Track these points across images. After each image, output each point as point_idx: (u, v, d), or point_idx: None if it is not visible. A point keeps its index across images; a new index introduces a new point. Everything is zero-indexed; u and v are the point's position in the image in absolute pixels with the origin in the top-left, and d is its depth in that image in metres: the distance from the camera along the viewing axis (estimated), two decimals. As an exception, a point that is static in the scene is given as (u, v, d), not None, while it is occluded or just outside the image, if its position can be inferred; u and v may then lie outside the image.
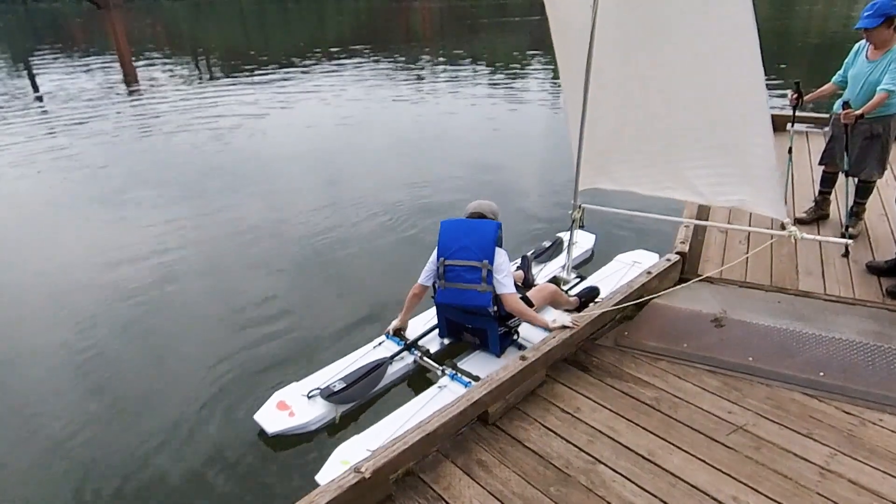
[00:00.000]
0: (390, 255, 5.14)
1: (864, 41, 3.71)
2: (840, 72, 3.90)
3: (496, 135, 9.44)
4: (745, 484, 2.20)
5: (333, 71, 16.60)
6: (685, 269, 3.77)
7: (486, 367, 3.11)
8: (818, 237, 3.65)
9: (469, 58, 18.44)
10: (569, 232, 3.92)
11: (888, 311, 3.26)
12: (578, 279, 4.11)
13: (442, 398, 2.92)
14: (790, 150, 4.31)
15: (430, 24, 36.60)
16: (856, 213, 3.99)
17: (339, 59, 19.25)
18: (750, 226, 4.17)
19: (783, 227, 3.16)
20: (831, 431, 2.45)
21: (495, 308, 3.12)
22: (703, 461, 2.32)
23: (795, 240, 3.12)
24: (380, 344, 3.51)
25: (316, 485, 2.41)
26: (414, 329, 3.60)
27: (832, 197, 4.31)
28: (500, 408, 2.62)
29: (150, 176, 7.63)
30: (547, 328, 3.08)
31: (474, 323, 3.29)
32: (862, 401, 2.62)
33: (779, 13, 28.36)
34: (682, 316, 3.31)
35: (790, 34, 20.49)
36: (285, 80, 15.27)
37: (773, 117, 6.04)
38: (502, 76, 15.09)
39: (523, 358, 2.74)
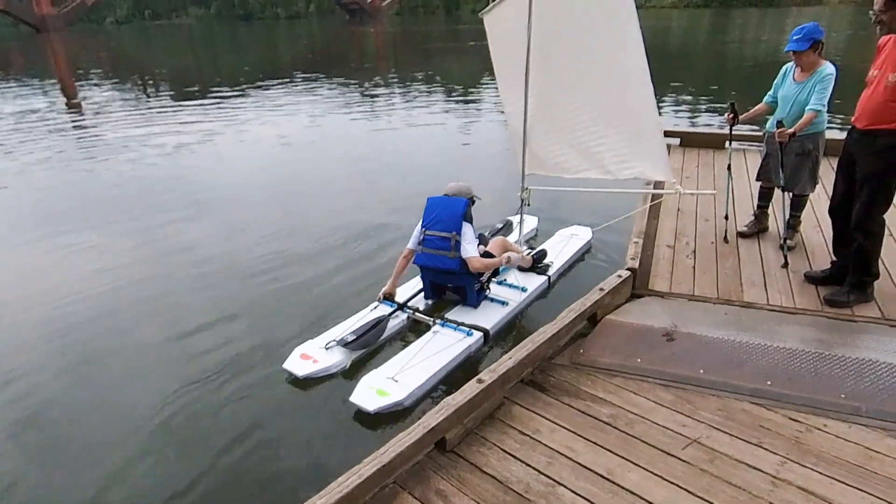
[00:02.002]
0: (341, 274, 5.06)
1: (791, 63, 3.94)
2: (770, 92, 4.11)
3: (449, 150, 9.57)
4: (701, 497, 2.22)
5: (286, 93, 16.46)
6: (636, 284, 3.84)
7: (468, 316, 3.94)
8: (694, 191, 4.89)
9: (423, 80, 18.67)
10: (518, 214, 4.80)
11: (826, 318, 3.41)
12: (529, 250, 4.81)
13: (437, 340, 3.68)
14: (729, 167, 4.49)
15: (384, 48, 36.96)
16: (792, 225, 4.19)
17: (292, 81, 19.15)
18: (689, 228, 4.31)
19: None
20: (780, 439, 2.51)
21: (467, 269, 3.85)
22: (661, 477, 2.33)
23: (679, 195, 4.54)
24: (375, 307, 4.10)
25: (351, 405, 3.22)
26: (403, 294, 4.26)
27: (770, 211, 4.51)
28: (457, 433, 2.56)
29: (92, 201, 7.32)
30: (503, 264, 4.11)
31: (454, 282, 4.06)
32: (807, 407, 2.70)
33: (713, 39, 30.08)
34: (634, 331, 3.35)
35: (724, 58, 21.71)
36: (236, 102, 15.03)
37: (712, 136, 6.47)
38: (455, 97, 15.32)
39: (480, 381, 2.71)
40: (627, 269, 3.80)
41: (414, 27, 52.59)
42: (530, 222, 5.47)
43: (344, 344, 3.68)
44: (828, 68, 3.73)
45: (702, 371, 2.98)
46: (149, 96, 17.43)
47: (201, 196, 7.36)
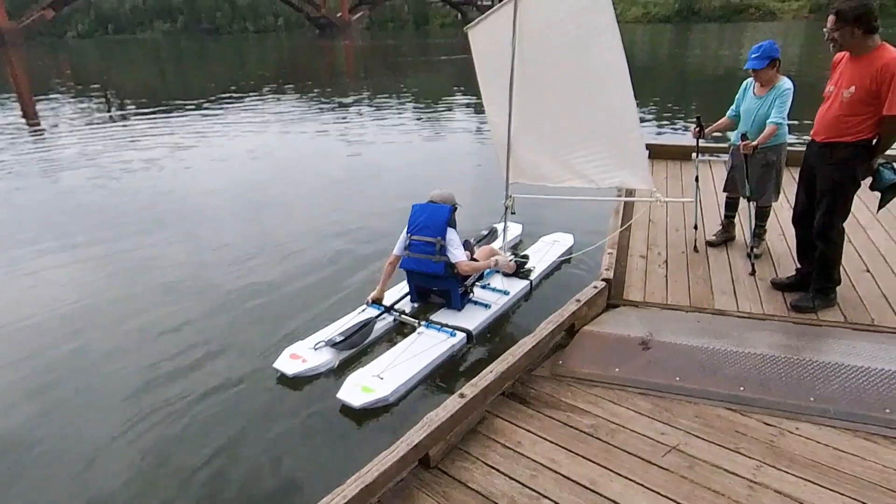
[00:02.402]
0: (323, 281, 5.06)
1: (751, 79, 4.10)
2: (733, 107, 4.27)
3: (422, 163, 9.62)
4: (681, 504, 2.26)
5: (256, 107, 16.34)
6: (611, 294, 3.91)
7: (452, 318, 4.12)
8: (673, 199, 5.04)
9: (395, 94, 18.76)
10: (502, 221, 4.90)
11: (794, 324, 3.52)
12: (513, 255, 4.96)
13: (421, 341, 3.87)
14: (697, 179, 4.63)
15: (354, 61, 36.99)
16: (758, 234, 4.32)
17: (262, 95, 18.99)
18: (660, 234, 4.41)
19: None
20: (755, 444, 2.58)
21: (452, 273, 4.04)
22: (642, 485, 2.36)
23: (650, 205, 4.61)
24: (363, 310, 4.27)
25: (338, 402, 3.37)
26: (390, 298, 4.43)
27: (737, 220, 4.65)
28: (440, 449, 2.55)
29: (55, 219, 7.09)
30: (490, 268, 4.38)
31: (439, 286, 4.21)
32: (779, 411, 2.78)
33: (676, 53, 31.06)
34: (611, 341, 3.41)
35: (687, 72, 22.43)
36: (205, 117, 14.84)
37: (680, 148, 6.61)
38: (427, 110, 15.42)
39: (462, 395, 2.71)
40: (603, 280, 3.86)
41: (385, 41, 52.77)
42: (515, 229, 5.63)
43: (332, 344, 3.83)
44: (785, 83, 3.90)
45: (678, 379, 3.04)
46: (112, 112, 17.04)
47: (174, 211, 7.25)
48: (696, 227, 4.57)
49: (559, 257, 5.18)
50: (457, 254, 4.01)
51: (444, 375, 3.76)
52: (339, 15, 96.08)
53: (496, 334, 4.22)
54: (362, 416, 3.35)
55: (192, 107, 16.57)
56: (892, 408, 2.70)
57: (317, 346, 3.83)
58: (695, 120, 4.37)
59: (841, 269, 3.66)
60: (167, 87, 24.23)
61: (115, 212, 7.31)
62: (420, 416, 2.59)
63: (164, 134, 12.66)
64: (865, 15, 3.04)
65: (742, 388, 2.92)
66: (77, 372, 3.94)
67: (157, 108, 16.52)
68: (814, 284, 3.63)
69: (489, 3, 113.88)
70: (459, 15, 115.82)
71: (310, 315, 4.48)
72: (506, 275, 4.65)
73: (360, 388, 3.39)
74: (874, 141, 3.20)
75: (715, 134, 4.61)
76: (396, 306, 4.32)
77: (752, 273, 4.08)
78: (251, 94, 19.30)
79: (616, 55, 3.68)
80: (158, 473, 3.02)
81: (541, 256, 5.09)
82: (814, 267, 3.61)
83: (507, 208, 4.69)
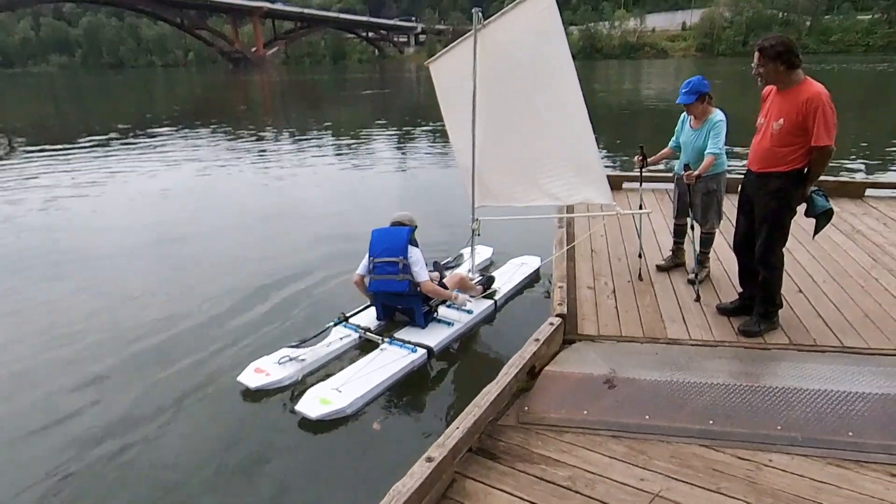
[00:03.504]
0: (232, 333, 4.66)
1: (685, 112, 4.25)
2: (673, 138, 4.41)
3: (349, 199, 9.32)
4: (677, 561, 2.10)
5: (167, 144, 15.36)
6: (566, 330, 3.80)
7: (415, 335, 4.28)
8: (631, 211, 4.97)
9: (314, 128, 18.41)
10: (469, 246, 5.11)
11: (744, 349, 3.56)
12: (479, 276, 5.13)
13: (383, 356, 4.01)
14: (641, 206, 4.69)
15: (270, 96, 36.19)
16: (700, 261, 4.42)
17: (172, 130, 17.98)
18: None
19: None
20: (735, 481, 2.49)
21: (416, 291, 4.21)
22: (633, 543, 2.19)
23: (619, 214, 4.60)
24: (329, 327, 4.37)
25: (295, 414, 3.55)
26: (357, 317, 4.59)
27: (685, 246, 4.72)
28: (411, 526, 2.26)
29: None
30: (451, 299, 4.46)
31: (403, 304, 4.40)
32: (750, 443, 2.73)
33: (584, 89, 32.93)
34: (575, 381, 3.27)
35: (596, 106, 23.74)
36: (111, 155, 13.77)
37: (621, 177, 6.71)
38: (349, 144, 15.20)
39: (429, 458, 2.44)
40: (557, 316, 3.76)
41: (302, 76, 52.16)
42: (486, 252, 5.97)
43: (290, 346, 4.03)
44: (717, 115, 4.07)
45: (647, 417, 2.94)
46: (1, 150, 15.40)
47: (76, 255, 6.46)
48: (640, 256, 4.62)
49: (524, 278, 5.37)
50: (421, 273, 4.18)
51: (402, 391, 3.87)
52: (253, 49, 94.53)
53: (459, 351, 4.39)
54: (323, 429, 3.46)
55: (94, 145, 15.34)
56: (855, 430, 2.73)
57: (281, 361, 3.94)
58: (638, 149, 4.45)
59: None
60: (66, 124, 22.37)
61: (17, 256, 6.46)
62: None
63: (62, 172, 11.56)
64: (786, 52, 3.20)
65: (711, 422, 2.86)
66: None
67: (53, 146, 15.11)
68: (757, 308, 3.71)
69: (405, 39, 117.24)
70: (377, 51, 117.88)
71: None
72: (472, 296, 4.78)
73: (318, 401, 3.53)
74: (805, 170, 3.34)
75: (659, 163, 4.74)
76: (362, 324, 4.44)
77: (697, 299, 4.14)
78: (160, 129, 18.21)
79: (571, 84, 4.03)
80: None
81: (507, 278, 5.26)
82: (757, 292, 3.69)
83: (473, 231, 4.92)
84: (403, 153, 13.61)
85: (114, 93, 41.40)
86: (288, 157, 13.19)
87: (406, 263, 4.14)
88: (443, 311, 4.60)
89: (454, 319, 4.50)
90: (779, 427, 2.80)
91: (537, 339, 3.44)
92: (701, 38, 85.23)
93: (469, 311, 4.60)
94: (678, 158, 4.40)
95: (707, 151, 4.00)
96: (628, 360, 3.48)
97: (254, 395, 3.78)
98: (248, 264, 6.11)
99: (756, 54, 3.30)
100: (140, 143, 15.69)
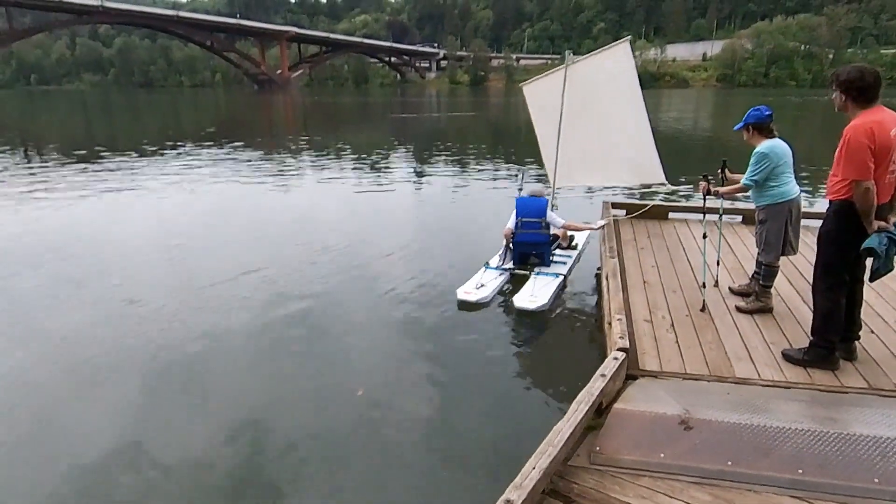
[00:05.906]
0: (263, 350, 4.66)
1: None
2: None
3: (366, 219, 9.35)
4: None
5: (192, 161, 15.60)
6: (629, 365, 3.65)
7: (546, 269, 6.23)
8: (590, 227, 6.66)
9: (336, 148, 18.58)
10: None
11: (820, 391, 3.37)
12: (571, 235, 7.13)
13: (540, 280, 5.93)
14: (704, 236, 4.55)
15: (293, 117, 36.79)
16: (758, 293, 4.26)
17: (199, 148, 18.28)
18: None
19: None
20: (837, 540, 2.31)
21: (549, 241, 6.29)
22: None
23: (667, 186, 6.95)
24: (484, 272, 6.19)
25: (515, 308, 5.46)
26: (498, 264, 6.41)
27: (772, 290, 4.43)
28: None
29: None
30: (579, 230, 6.93)
31: (538, 250, 6.30)
32: (846, 496, 2.54)
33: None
34: (647, 420, 3.11)
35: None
36: (136, 171, 14.02)
37: (658, 207, 7.18)
38: (370, 164, 15.27)
39: (508, 502, 2.30)
40: (621, 350, 3.60)
41: (325, 98, 53.00)
42: (560, 222, 7.43)
43: (495, 268, 6.25)
44: (760, 147, 4.03)
45: (730, 463, 2.76)
46: (31, 165, 15.73)
47: (96, 272, 6.46)
48: (703, 286, 4.46)
49: (585, 241, 7.40)
50: (557, 223, 6.25)
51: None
52: (279, 72, 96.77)
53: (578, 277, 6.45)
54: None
55: (123, 161, 15.64)
56: (962, 488, 2.54)
57: (478, 286, 5.76)
58: (702, 176, 4.37)
59: (866, 330, 3.60)
60: (97, 141, 22.87)
61: (33, 273, 6.45)
62: None
63: (93, 187, 11.74)
64: (845, 83, 3.20)
65: (801, 471, 2.68)
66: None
67: (85, 163, 15.43)
68: (811, 337, 3.58)
69: (426, 64, 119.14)
70: (399, 75, 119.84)
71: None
72: (561, 247, 6.76)
73: (528, 301, 5.44)
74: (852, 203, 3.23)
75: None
76: (505, 266, 6.27)
77: (703, 309, 4.27)
78: (188, 147, 18.54)
79: (637, 97, 6.54)
80: None
81: (579, 239, 7.38)
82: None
83: (554, 206, 6.83)
84: (432, 176, 13.61)
85: (143, 111, 42.38)
86: (306, 177, 13.30)
87: (548, 222, 6.10)
88: (556, 256, 6.52)
89: (564, 260, 6.51)
90: (876, 480, 2.61)
91: (604, 375, 3.29)
92: (722, 69, 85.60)
93: (569, 256, 6.60)
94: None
95: (742, 181, 4.12)
96: (698, 399, 3.30)
97: (472, 306, 5.57)
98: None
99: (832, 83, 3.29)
100: (164, 160, 15.92)
